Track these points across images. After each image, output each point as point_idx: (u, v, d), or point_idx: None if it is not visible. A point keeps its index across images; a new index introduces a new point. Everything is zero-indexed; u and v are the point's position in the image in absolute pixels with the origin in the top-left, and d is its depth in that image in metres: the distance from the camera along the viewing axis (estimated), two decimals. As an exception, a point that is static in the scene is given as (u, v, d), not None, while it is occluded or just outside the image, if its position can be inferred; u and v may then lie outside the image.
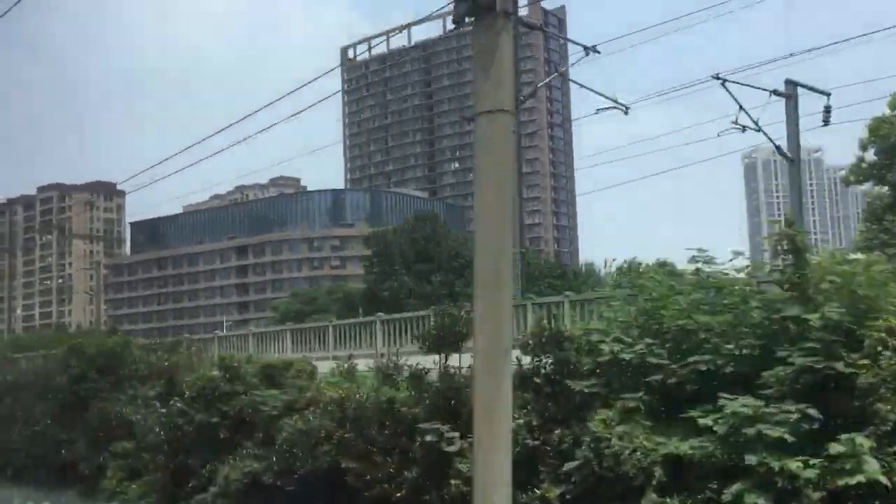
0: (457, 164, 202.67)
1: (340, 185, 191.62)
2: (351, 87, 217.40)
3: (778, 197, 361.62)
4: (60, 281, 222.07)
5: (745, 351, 12.83)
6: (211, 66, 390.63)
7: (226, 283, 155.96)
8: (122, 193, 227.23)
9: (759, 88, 24.94)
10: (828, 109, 25.83)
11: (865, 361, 11.52)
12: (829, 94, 25.94)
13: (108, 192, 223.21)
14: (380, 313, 27.27)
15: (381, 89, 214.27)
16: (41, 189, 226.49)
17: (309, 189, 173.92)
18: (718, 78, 24.73)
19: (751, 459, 11.22)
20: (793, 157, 25.92)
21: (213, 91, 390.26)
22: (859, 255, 14.38)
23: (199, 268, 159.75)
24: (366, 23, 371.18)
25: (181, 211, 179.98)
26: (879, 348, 11.60)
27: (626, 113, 26.26)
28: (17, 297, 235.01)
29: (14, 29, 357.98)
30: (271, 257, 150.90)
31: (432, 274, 52.88)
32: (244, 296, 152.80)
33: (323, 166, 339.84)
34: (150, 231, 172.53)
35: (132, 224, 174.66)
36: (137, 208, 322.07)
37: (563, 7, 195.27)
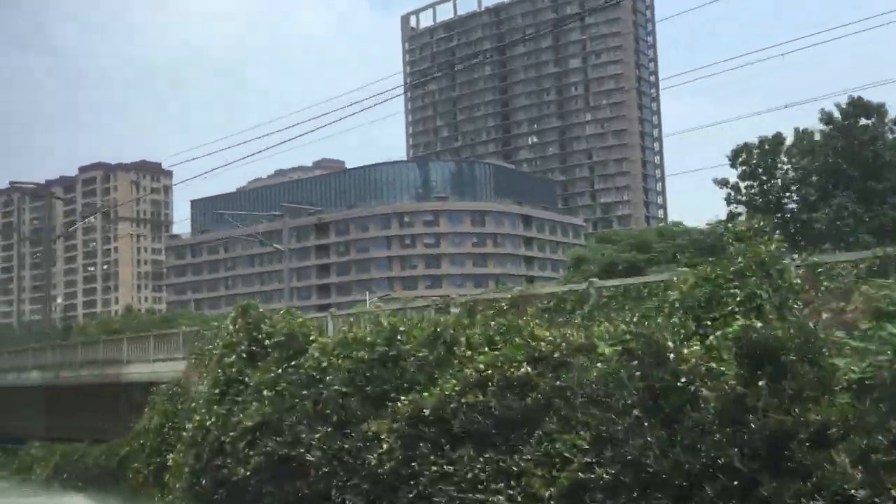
0: (535, 138, 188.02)
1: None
2: (414, 58, 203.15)
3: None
4: (105, 267, 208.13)
5: None
6: (252, 52, 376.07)
7: (304, 265, 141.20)
8: (169, 173, 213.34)
9: None
10: None
11: None
12: None
13: (154, 171, 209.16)
14: None
15: (447, 59, 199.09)
16: (83, 169, 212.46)
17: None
18: None
19: None
20: None
21: (251, 75, 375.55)
22: None
23: (266, 249, 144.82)
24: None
25: (244, 186, 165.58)
26: None
27: None
28: (56, 284, 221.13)
29: (50, 14, 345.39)
30: (357, 234, 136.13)
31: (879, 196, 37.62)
32: (324, 277, 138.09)
33: (370, 146, 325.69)
34: (212, 209, 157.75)
35: (193, 202, 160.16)
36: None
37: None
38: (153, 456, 21.45)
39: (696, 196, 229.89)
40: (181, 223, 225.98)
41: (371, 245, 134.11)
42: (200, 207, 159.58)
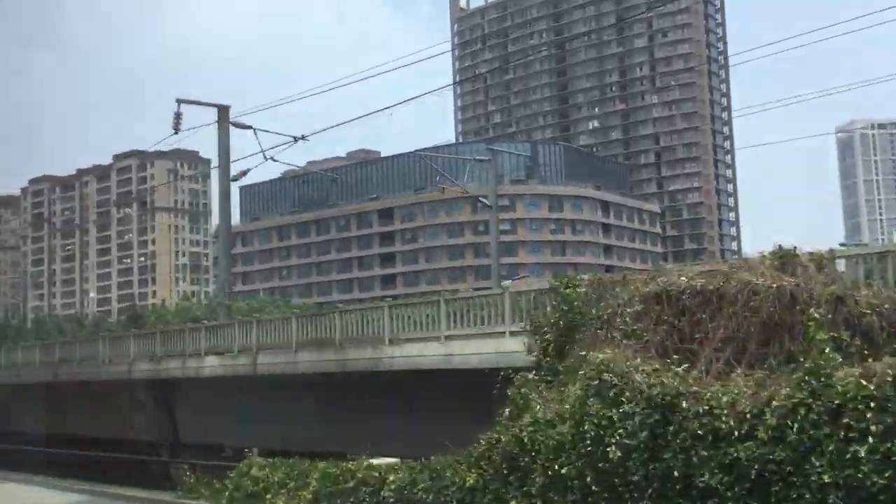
0: (596, 123, 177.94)
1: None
2: (463, 39, 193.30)
3: (878, 175, 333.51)
4: (142, 259, 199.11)
5: None
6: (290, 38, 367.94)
7: (366, 254, 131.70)
8: (207, 161, 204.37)
9: None
10: None
11: None
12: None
13: (191, 159, 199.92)
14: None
15: (500, 40, 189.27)
16: (117, 157, 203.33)
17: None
18: None
19: None
20: None
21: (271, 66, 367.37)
22: None
23: (331, 235, 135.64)
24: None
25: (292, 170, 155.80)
26: None
27: None
28: (89, 277, 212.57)
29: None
30: (425, 221, 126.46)
31: None
32: (389, 267, 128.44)
33: (403, 135, 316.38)
34: (263, 196, 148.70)
35: (242, 189, 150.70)
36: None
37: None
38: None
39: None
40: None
41: (442, 231, 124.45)
42: (250, 194, 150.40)
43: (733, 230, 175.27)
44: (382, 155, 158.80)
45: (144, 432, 33.44)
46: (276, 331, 25.53)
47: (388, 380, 20.67)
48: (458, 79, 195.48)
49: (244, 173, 32.96)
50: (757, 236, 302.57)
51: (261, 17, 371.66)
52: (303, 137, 28.34)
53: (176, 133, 30.56)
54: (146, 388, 33.21)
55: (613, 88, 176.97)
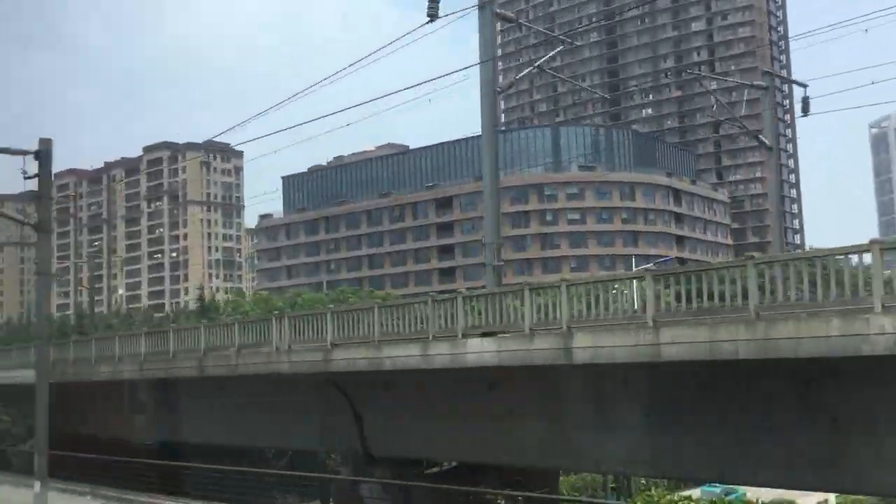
0: (649, 111, 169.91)
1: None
2: (507, 26, 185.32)
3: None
4: (174, 255, 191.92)
5: None
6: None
7: (422, 245, 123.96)
8: (239, 154, 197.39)
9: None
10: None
11: None
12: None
13: (224, 152, 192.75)
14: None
15: (546, 26, 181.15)
16: (147, 149, 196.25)
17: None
18: None
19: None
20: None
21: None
22: None
23: (383, 227, 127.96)
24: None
25: (337, 160, 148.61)
26: None
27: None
28: (117, 274, 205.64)
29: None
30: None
31: None
32: (448, 260, 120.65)
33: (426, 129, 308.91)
34: (308, 186, 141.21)
35: (284, 178, 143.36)
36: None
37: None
38: None
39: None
40: (256, 207, 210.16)
41: (506, 222, 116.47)
42: (293, 184, 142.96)
43: (796, 223, 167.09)
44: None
45: (313, 441, 25.92)
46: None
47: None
48: (501, 67, 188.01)
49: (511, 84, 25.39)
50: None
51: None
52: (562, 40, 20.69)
53: (432, 20, 23.20)
54: (310, 385, 25.58)
55: (668, 74, 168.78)
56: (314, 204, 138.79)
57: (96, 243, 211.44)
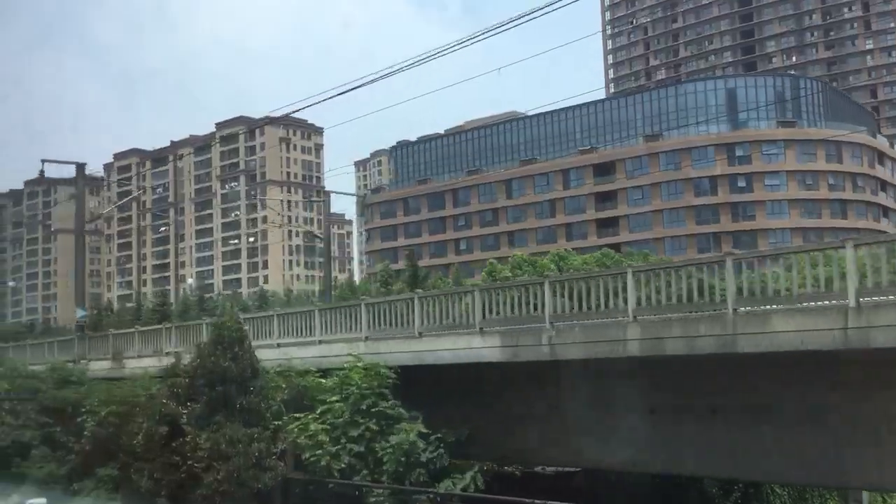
0: (793, 73, 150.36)
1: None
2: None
3: None
4: (252, 240, 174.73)
5: None
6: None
7: (577, 219, 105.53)
8: (320, 131, 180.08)
9: None
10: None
11: None
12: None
13: (303, 128, 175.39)
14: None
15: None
16: (221, 125, 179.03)
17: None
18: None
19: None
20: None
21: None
22: None
23: (526, 198, 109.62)
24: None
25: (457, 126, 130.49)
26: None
27: None
28: (185, 262, 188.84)
29: None
30: (659, 176, 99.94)
31: None
32: (609, 235, 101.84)
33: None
34: (424, 155, 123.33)
35: (392, 149, 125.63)
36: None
37: None
38: None
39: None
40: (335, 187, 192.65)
41: (687, 188, 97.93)
42: (404, 155, 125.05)
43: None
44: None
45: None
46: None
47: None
48: (609, 30, 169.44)
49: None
50: None
51: None
52: None
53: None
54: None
55: (815, 34, 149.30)
56: (430, 175, 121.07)
57: (162, 229, 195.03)
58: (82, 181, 42.73)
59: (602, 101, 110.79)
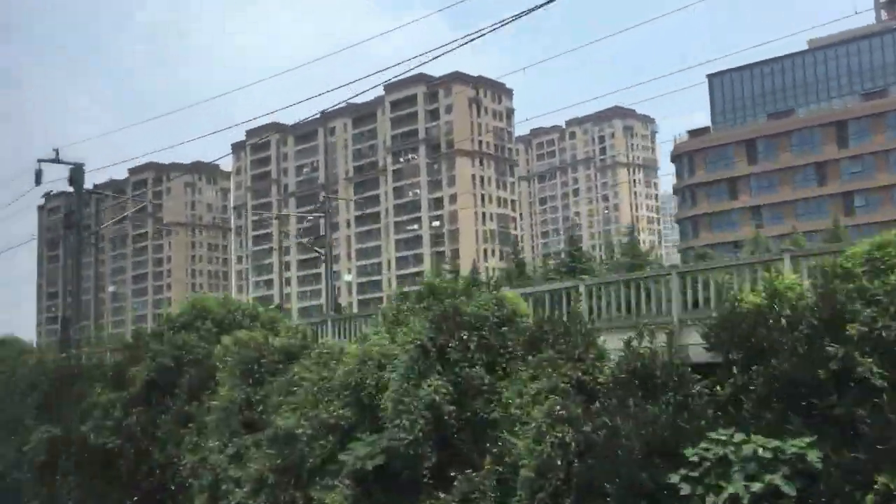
0: None
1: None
2: None
3: None
4: (436, 224, 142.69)
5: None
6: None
7: None
8: (510, 92, 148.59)
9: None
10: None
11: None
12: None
13: (494, 88, 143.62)
14: None
15: None
16: (390, 87, 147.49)
17: None
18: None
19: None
20: None
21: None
22: None
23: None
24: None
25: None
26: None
27: None
28: (339, 255, 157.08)
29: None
30: None
31: None
32: None
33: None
34: (755, 85, 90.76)
35: (710, 76, 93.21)
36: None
37: None
38: None
39: None
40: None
41: None
42: (727, 85, 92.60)
43: None
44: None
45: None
46: None
47: None
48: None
49: None
50: None
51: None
52: None
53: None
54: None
55: None
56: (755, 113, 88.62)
57: (310, 217, 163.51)
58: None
59: None
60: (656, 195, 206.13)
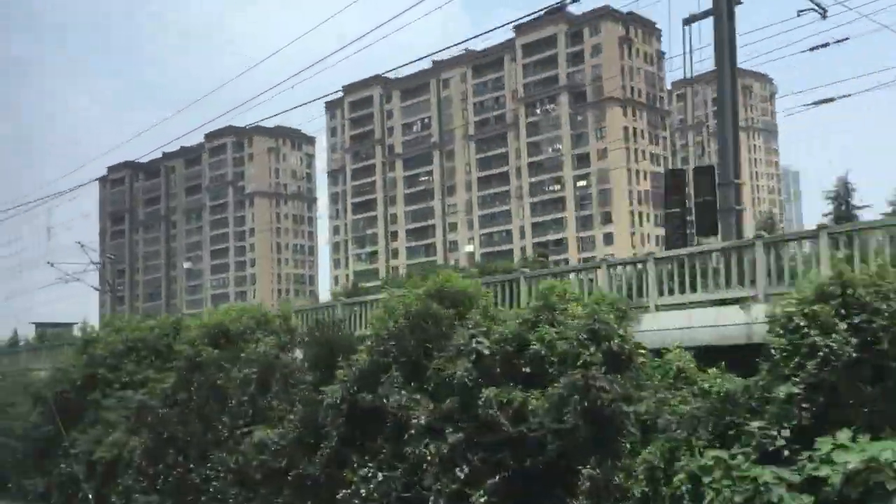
0: None
1: None
2: None
3: None
4: (582, 183, 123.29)
5: None
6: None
7: None
8: (658, 32, 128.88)
9: None
10: None
11: None
12: None
13: (646, 26, 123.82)
14: None
15: None
16: (523, 29, 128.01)
17: None
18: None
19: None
20: None
21: None
22: None
23: None
24: None
25: None
26: None
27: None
28: (457, 223, 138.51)
29: None
30: None
31: None
32: None
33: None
34: None
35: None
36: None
37: None
38: None
39: None
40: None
41: None
42: None
43: None
44: None
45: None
46: None
47: None
48: None
49: None
50: None
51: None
52: None
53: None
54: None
55: None
56: None
57: (423, 178, 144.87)
58: None
59: None
60: (776, 162, 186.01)
